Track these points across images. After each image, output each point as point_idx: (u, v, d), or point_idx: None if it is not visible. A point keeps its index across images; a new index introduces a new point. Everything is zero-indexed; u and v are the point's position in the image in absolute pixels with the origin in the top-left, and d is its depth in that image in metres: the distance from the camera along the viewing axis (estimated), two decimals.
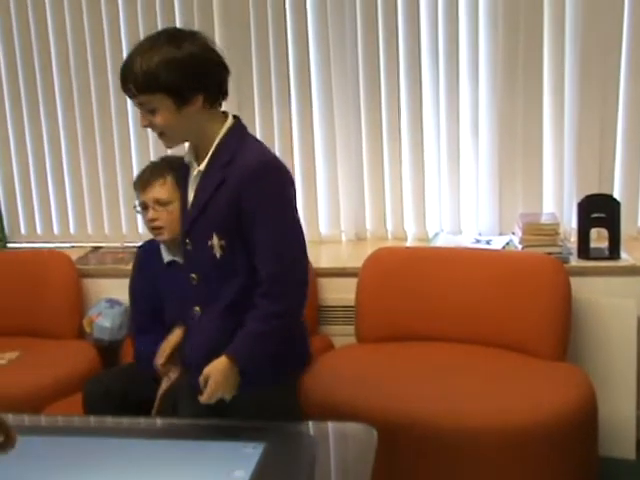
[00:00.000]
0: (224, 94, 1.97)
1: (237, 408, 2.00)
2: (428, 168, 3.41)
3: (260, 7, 3.34)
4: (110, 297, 3.29)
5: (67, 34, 3.50)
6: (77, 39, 3.49)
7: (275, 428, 1.95)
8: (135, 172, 3.55)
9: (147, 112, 1.90)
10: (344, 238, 3.53)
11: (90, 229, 3.68)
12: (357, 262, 3.14)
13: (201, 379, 1.94)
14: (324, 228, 3.54)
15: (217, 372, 1.93)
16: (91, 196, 3.65)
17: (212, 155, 1.96)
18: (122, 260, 3.42)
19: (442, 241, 3.35)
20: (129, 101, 3.37)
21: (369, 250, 3.18)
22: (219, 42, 3.32)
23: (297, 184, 3.46)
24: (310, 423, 2.00)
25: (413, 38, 3.27)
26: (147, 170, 2.61)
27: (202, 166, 1.97)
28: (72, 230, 3.70)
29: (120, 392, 2.50)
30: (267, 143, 3.40)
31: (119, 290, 3.20)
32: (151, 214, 2.55)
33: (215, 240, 1.95)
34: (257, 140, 2.06)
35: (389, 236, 3.50)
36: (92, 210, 3.67)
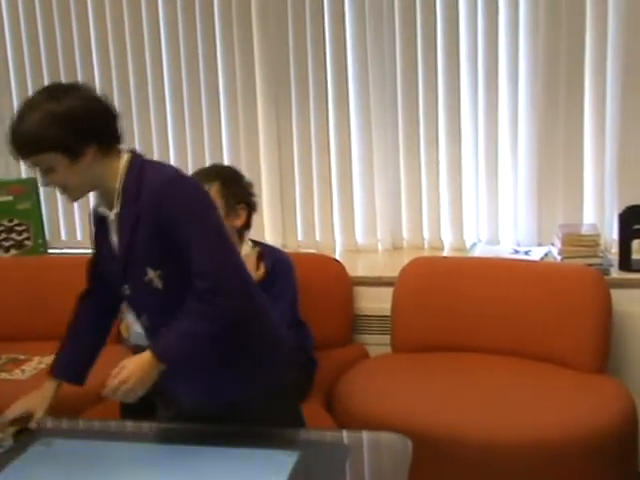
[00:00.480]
0: (117, 138, 1.93)
1: (215, 415, 1.95)
2: (466, 176, 3.38)
3: (298, 13, 3.35)
4: None
5: (109, 48, 3.56)
6: (119, 54, 3.55)
7: (310, 436, 1.94)
8: None
9: (43, 172, 1.88)
10: (380, 247, 3.52)
11: None
12: (393, 271, 3.12)
13: (116, 369, 1.89)
14: (360, 237, 3.53)
15: (135, 364, 1.89)
16: None
17: (121, 197, 1.92)
18: None
19: (479, 251, 3.32)
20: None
21: (405, 259, 3.17)
22: (257, 50, 3.40)
23: (333, 192, 3.48)
24: (344, 432, 2.00)
25: (452, 45, 3.25)
26: (195, 175, 2.61)
27: (115, 210, 1.93)
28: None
29: (154, 398, 2.51)
30: (304, 151, 3.48)
31: None
32: None
33: (151, 273, 1.91)
34: (155, 163, 2.00)
35: (426, 245, 3.48)
36: None
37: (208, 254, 1.86)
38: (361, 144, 3.43)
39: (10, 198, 3.59)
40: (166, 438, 1.96)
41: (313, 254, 3.34)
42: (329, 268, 3.16)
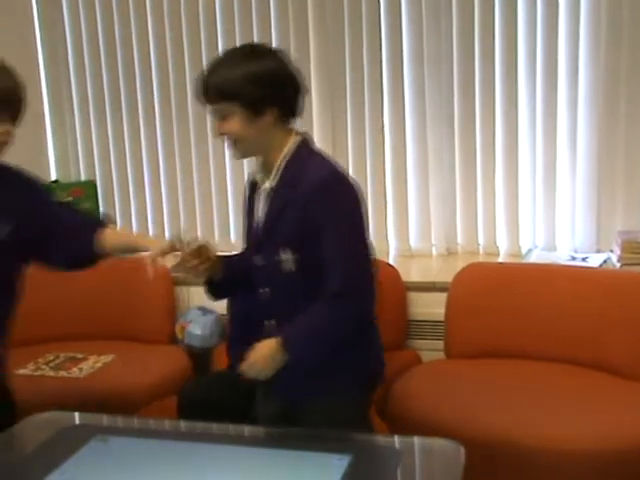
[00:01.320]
0: (296, 112, 2.04)
1: (308, 416, 2.03)
2: (522, 181, 3.34)
3: (355, 19, 3.35)
4: (202, 305, 3.35)
5: (167, 50, 3.61)
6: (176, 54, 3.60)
7: (362, 440, 1.94)
8: (229, 183, 3.65)
9: (221, 119, 1.98)
10: (434, 252, 3.50)
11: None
12: (447, 277, 3.10)
13: (250, 350, 1.99)
14: (414, 241, 3.51)
15: (264, 349, 1.99)
16: (186, 206, 3.73)
17: (281, 172, 2.01)
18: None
19: (535, 257, 3.28)
20: None
21: (460, 265, 3.14)
22: (313, 55, 3.41)
23: (388, 196, 3.47)
24: (396, 437, 1.99)
25: (510, 50, 3.22)
26: None
27: (271, 184, 2.02)
28: (166, 238, 3.78)
29: (215, 399, 2.53)
30: (359, 155, 3.48)
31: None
32: None
33: (287, 255, 2.00)
34: (324, 157, 2.08)
35: (480, 251, 3.45)
36: (187, 220, 3.74)
37: (348, 260, 1.98)
38: (416, 148, 3.42)
39: (70, 200, 3.66)
40: (221, 438, 1.97)
41: None
42: (382, 273, 3.15)
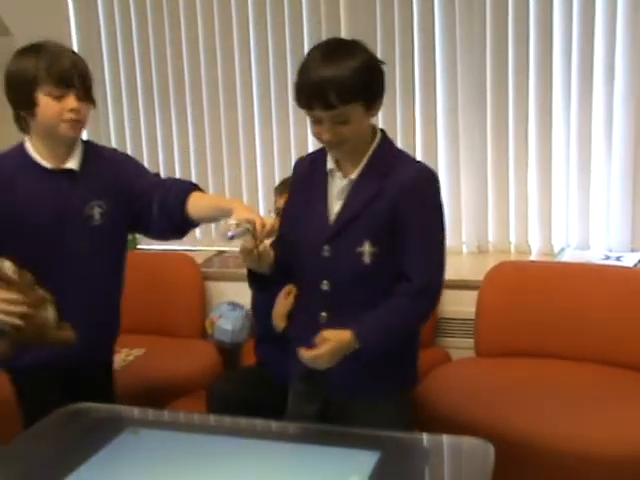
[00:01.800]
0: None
1: (348, 417, 2.02)
2: (556, 178, 3.30)
3: (387, 5, 3.33)
4: (232, 300, 3.37)
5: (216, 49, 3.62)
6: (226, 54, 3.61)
7: (391, 438, 1.94)
8: (260, 179, 3.66)
9: (337, 124, 1.87)
10: (465, 250, 3.48)
11: (214, 234, 3.77)
12: (478, 275, 3.09)
13: (318, 339, 1.91)
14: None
15: (337, 342, 1.91)
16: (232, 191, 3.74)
17: (367, 165, 1.96)
18: (244, 265, 3.48)
19: (568, 256, 3.25)
20: (255, 107, 3.43)
21: (491, 263, 3.13)
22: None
23: None
24: (425, 435, 1.98)
25: (544, 42, 3.18)
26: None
27: (354, 175, 1.97)
28: (198, 235, 3.80)
29: (243, 394, 2.55)
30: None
31: (240, 294, 3.26)
32: None
33: (367, 247, 1.95)
34: (404, 152, 2.08)
35: (512, 249, 3.42)
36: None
37: (435, 258, 1.97)
38: (448, 144, 3.40)
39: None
40: (247, 433, 1.99)
41: None
42: None
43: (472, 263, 3.39)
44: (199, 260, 3.55)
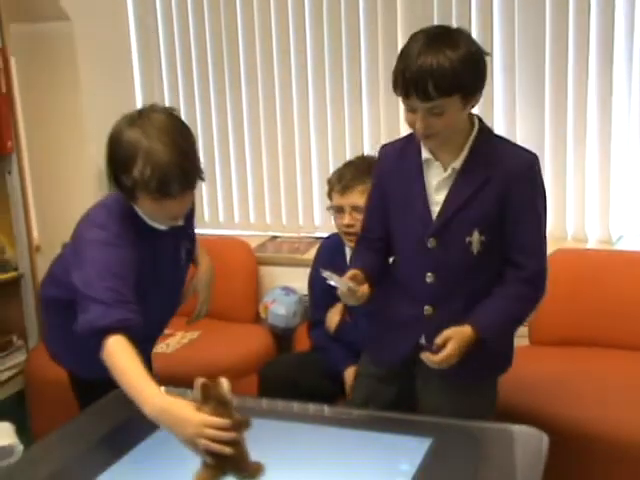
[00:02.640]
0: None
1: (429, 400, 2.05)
2: (615, 165, 3.22)
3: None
4: (285, 285, 3.39)
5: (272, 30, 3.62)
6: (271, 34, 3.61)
7: (442, 424, 1.93)
8: (314, 165, 3.66)
9: (432, 115, 1.83)
10: None
11: (268, 219, 3.80)
12: None
13: (439, 340, 1.90)
14: None
15: (460, 339, 1.90)
16: (270, 187, 3.75)
17: (469, 154, 1.93)
18: (298, 250, 3.51)
19: (627, 245, 3.18)
20: (310, 93, 3.41)
21: (547, 251, 3.08)
22: (400, 23, 3.35)
23: None
24: (477, 422, 1.97)
25: (607, 29, 3.10)
26: (348, 172, 2.57)
27: (457, 164, 1.94)
28: (252, 219, 3.83)
29: (295, 379, 2.57)
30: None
31: (294, 279, 3.30)
32: (347, 220, 2.53)
33: (476, 236, 1.94)
34: (504, 139, 2.06)
35: (569, 237, 3.36)
36: (271, 201, 3.77)
37: (543, 244, 1.98)
38: (505, 131, 3.33)
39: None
40: (299, 417, 2.00)
41: None
42: None
43: None
44: (253, 245, 3.57)
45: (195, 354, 2.99)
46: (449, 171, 1.94)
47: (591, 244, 3.29)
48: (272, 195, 3.76)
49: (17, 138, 3.48)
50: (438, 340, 1.90)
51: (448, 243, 1.96)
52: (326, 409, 2.02)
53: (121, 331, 1.78)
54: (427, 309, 2.02)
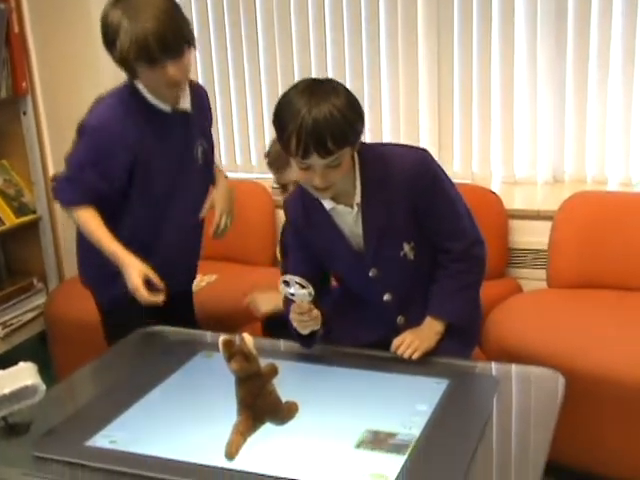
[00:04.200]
0: None
1: None
2: (637, 106, 3.16)
3: None
4: None
5: None
6: None
7: (460, 366, 1.95)
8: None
9: (330, 168, 1.82)
10: (540, 180, 3.40)
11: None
12: (552, 205, 3.03)
13: (397, 342, 1.98)
14: (519, 168, 3.42)
15: (418, 330, 2.00)
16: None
17: (362, 184, 1.94)
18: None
19: None
20: (328, 39, 3.32)
21: (566, 193, 3.06)
22: None
23: (493, 121, 3.37)
24: (494, 364, 1.99)
25: None
26: None
27: (358, 199, 1.95)
28: None
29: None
30: (464, 79, 3.32)
31: None
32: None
33: (406, 247, 2.00)
34: (385, 144, 2.13)
35: (588, 179, 3.33)
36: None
37: (460, 223, 2.01)
38: (525, 70, 3.28)
39: None
40: (316, 358, 2.02)
41: (469, 185, 3.27)
42: (485, 200, 3.11)
43: (547, 193, 3.31)
44: (270, 188, 3.57)
45: (213, 297, 3.01)
46: (355, 208, 1.96)
47: (611, 186, 3.26)
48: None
49: (31, 79, 3.46)
50: (397, 340, 1.98)
51: (386, 266, 2.02)
52: (345, 350, 2.04)
53: (87, 204, 2.21)
54: (400, 319, 2.08)
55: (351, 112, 1.80)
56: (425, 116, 3.47)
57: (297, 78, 3.58)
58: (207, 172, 2.43)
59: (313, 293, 1.86)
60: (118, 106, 2.22)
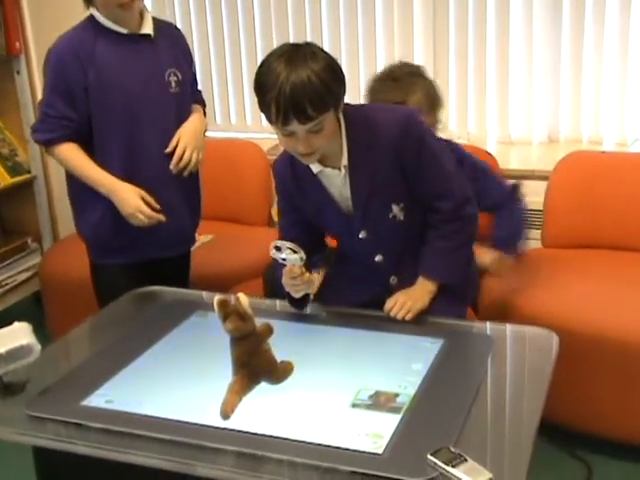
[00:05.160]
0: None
1: None
2: (632, 68, 3.14)
3: None
4: None
5: None
6: None
7: (455, 325, 1.96)
8: None
9: (312, 133, 1.81)
10: (535, 140, 3.39)
11: None
12: (548, 165, 3.03)
13: (389, 304, 1.98)
14: (515, 129, 3.40)
15: (410, 291, 2.00)
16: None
17: (348, 148, 1.93)
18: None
19: None
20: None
21: (561, 153, 3.05)
22: None
23: (488, 81, 3.35)
24: (488, 323, 1.99)
25: None
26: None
27: (345, 161, 1.94)
28: (264, 122, 3.76)
29: None
30: (460, 38, 3.28)
31: None
32: None
33: (395, 209, 1.99)
34: (372, 106, 2.12)
35: (584, 140, 3.31)
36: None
37: (448, 183, 1.99)
38: (519, 29, 3.25)
39: None
40: (310, 318, 2.03)
41: (464, 145, 3.24)
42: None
43: (542, 153, 3.31)
44: (265, 147, 3.54)
45: (208, 257, 3.00)
46: (342, 170, 1.95)
47: (607, 146, 3.25)
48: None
49: (25, 38, 3.42)
50: (390, 303, 1.98)
51: (376, 228, 2.02)
52: (339, 310, 2.04)
53: (64, 139, 2.26)
54: (393, 279, 2.08)
55: (330, 76, 1.78)
56: None
57: (292, 34, 3.56)
58: (183, 103, 2.40)
59: (304, 258, 1.88)
60: (76, 33, 2.29)
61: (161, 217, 2.29)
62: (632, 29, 3.09)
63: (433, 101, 2.41)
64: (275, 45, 3.48)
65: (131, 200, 2.25)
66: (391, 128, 1.92)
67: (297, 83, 1.74)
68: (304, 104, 1.74)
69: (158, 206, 2.28)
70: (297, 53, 1.79)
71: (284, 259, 1.89)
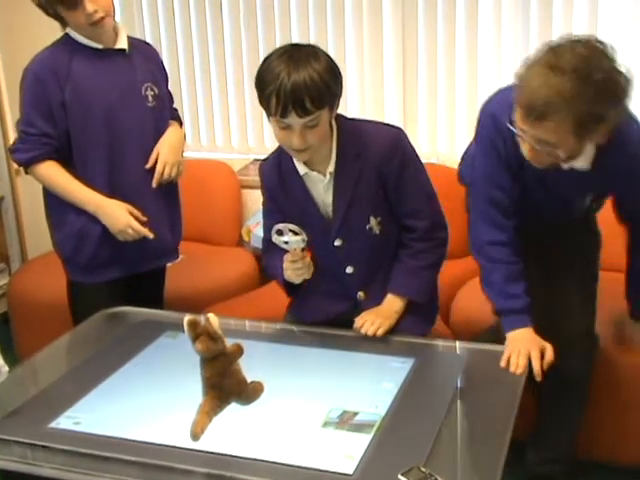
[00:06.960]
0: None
1: None
2: None
3: None
4: None
5: None
6: None
7: (425, 345, 1.96)
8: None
9: (308, 128, 1.88)
10: None
11: (251, 141, 3.75)
12: None
13: (359, 322, 2.00)
14: None
15: (377, 309, 2.04)
16: (253, 110, 3.69)
17: (337, 155, 1.99)
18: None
19: None
20: (293, 19, 3.29)
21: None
22: None
23: (459, 101, 3.37)
24: (458, 343, 2.00)
25: None
26: None
27: (331, 168, 1.99)
28: (234, 142, 3.78)
29: None
30: (430, 55, 3.25)
31: None
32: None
33: (373, 221, 2.03)
34: (364, 120, 2.14)
35: None
36: (253, 123, 3.72)
37: (426, 200, 2.06)
38: (490, 48, 3.26)
39: None
40: (282, 338, 2.02)
41: (435, 165, 3.27)
42: (451, 179, 3.09)
43: None
44: (236, 168, 3.55)
45: (179, 277, 2.98)
46: (327, 176, 2.01)
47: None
48: (255, 118, 3.71)
49: None
50: (360, 320, 2.01)
51: (352, 237, 2.05)
52: (311, 329, 2.04)
53: (45, 158, 2.27)
54: (360, 295, 2.11)
55: (330, 75, 1.87)
56: (391, 98, 3.46)
57: (262, 55, 3.55)
58: (161, 117, 2.43)
59: (307, 239, 1.92)
60: (52, 51, 2.31)
61: (149, 233, 2.31)
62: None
63: None
64: (245, 64, 3.58)
65: (121, 218, 2.27)
66: (380, 142, 1.99)
67: (299, 78, 1.82)
68: (304, 97, 1.82)
69: (145, 218, 2.29)
70: (299, 52, 1.88)
71: (286, 242, 1.92)
